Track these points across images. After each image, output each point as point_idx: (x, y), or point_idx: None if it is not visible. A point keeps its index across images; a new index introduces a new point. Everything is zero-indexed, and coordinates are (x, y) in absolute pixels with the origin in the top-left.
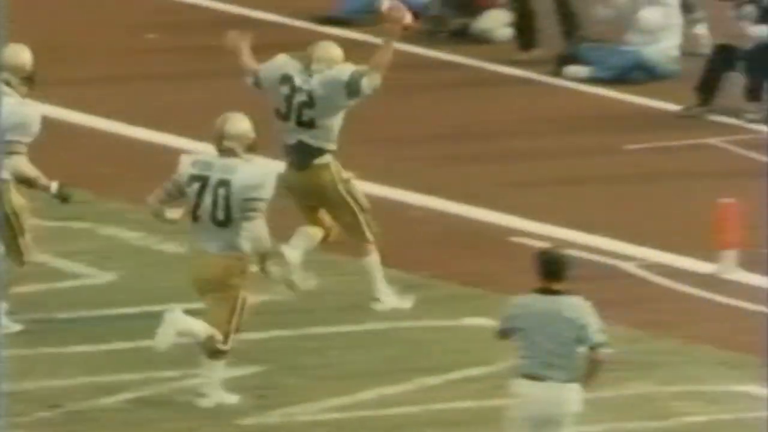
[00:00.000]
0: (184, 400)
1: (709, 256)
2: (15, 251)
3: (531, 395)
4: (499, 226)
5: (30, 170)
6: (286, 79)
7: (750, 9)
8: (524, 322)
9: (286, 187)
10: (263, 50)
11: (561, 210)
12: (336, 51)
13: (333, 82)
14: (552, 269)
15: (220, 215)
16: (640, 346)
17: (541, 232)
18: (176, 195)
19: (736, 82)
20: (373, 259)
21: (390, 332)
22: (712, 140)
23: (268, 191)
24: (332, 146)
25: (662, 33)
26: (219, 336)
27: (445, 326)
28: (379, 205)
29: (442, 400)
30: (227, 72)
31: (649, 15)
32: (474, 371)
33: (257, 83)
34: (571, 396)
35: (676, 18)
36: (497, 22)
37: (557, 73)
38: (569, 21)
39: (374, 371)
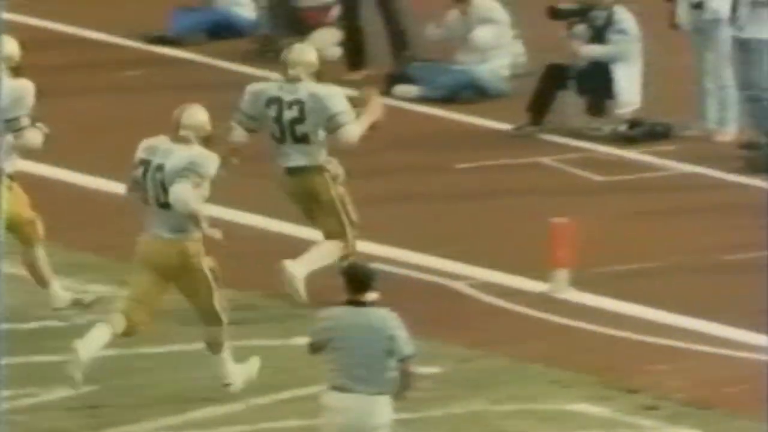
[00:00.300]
0: (21, 420)
1: (541, 276)
2: None
3: (341, 407)
4: None
5: (37, 140)
6: (272, 101)
7: (582, 28)
8: (334, 335)
9: (281, 189)
10: (94, 69)
11: (392, 229)
12: (311, 54)
13: (321, 103)
14: (359, 282)
15: (162, 198)
16: (471, 364)
17: (372, 251)
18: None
19: (568, 101)
20: (332, 248)
21: None
22: (544, 159)
23: (202, 167)
24: (325, 162)
25: (493, 52)
26: (217, 327)
27: (275, 345)
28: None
29: (272, 419)
30: (64, 91)
31: (482, 34)
32: (304, 390)
33: (246, 125)
34: (381, 408)
35: (508, 37)
36: (326, 42)
37: (387, 93)
38: (399, 40)
39: (205, 391)
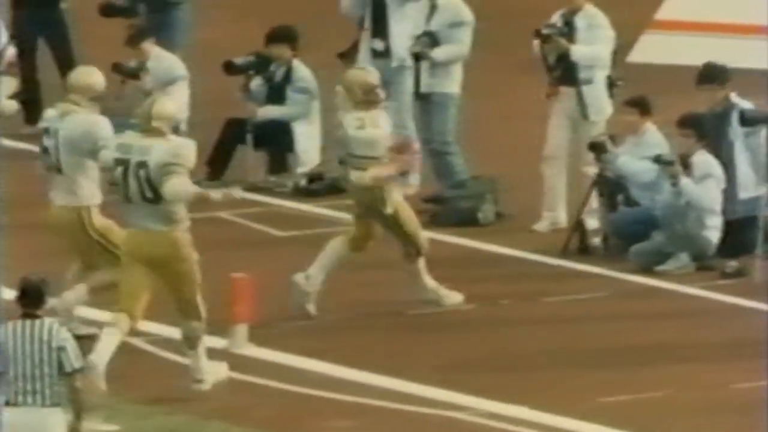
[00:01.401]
0: None
1: (220, 331)
2: None
3: (12, 422)
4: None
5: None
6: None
7: (259, 82)
8: (4, 349)
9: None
10: None
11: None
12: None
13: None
14: (31, 295)
15: (148, 194)
16: (150, 422)
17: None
18: None
19: (249, 155)
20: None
21: None
22: (222, 213)
23: (184, 159)
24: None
25: None
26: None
27: None
28: None
29: None
30: None
31: (173, 90)
32: None
33: None
34: (53, 421)
35: (186, 92)
36: (2, 94)
37: None
38: None
39: None
